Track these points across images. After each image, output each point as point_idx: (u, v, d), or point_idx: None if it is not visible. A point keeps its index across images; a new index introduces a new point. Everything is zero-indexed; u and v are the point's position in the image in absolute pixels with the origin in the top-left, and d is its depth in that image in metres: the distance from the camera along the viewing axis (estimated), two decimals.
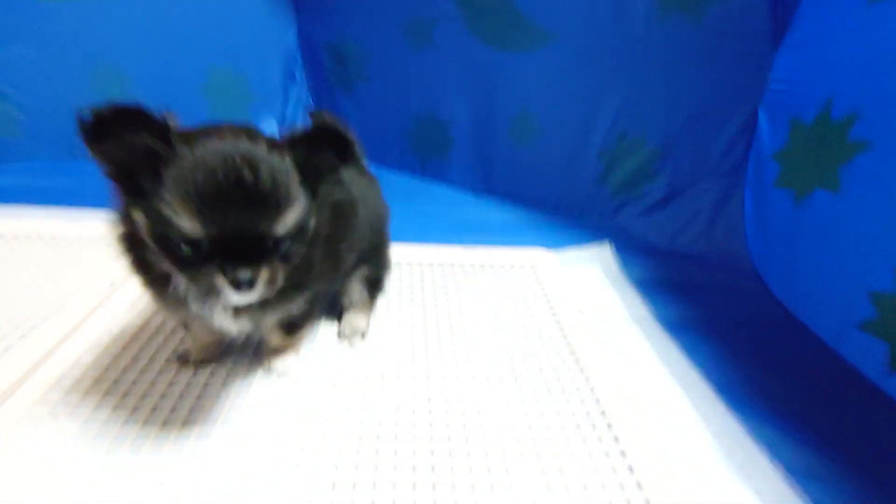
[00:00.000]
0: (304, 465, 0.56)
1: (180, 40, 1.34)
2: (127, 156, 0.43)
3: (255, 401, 0.64)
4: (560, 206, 1.33)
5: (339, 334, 0.78)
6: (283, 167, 0.46)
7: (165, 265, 0.48)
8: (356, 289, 0.78)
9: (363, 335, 0.78)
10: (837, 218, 0.84)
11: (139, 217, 0.45)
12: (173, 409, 0.62)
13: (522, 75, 1.26)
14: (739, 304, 0.97)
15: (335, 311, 0.81)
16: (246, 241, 0.44)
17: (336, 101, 1.54)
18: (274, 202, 0.44)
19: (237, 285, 0.44)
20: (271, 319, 0.59)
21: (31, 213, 1.02)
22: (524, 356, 0.79)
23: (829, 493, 0.60)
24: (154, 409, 0.61)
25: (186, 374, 0.67)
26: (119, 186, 0.46)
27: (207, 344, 0.66)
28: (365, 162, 0.83)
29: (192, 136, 0.45)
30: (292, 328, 0.66)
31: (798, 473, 0.62)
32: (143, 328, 0.74)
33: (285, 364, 0.68)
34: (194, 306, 0.52)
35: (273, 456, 0.57)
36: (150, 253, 0.48)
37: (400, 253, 1.03)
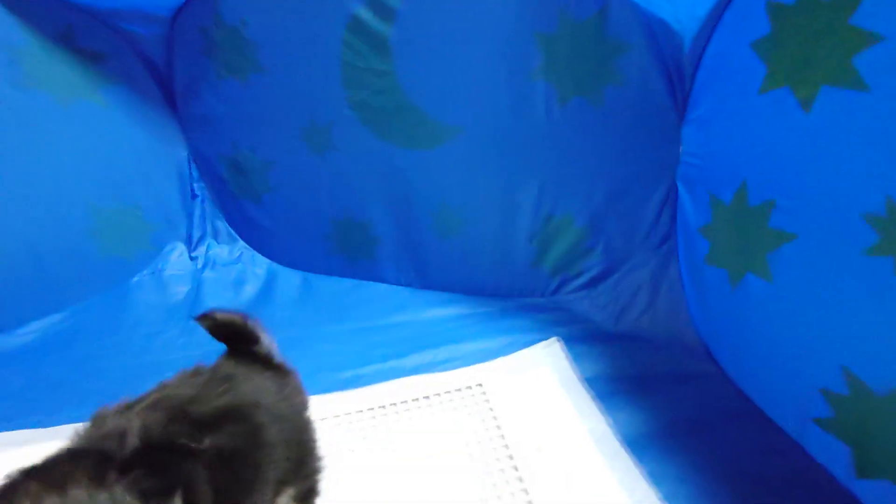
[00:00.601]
0: None
1: (55, 189, 1.20)
2: None
3: None
4: (498, 293, 1.27)
5: None
6: None
7: None
8: None
9: None
10: (776, 308, 0.81)
11: None
12: None
13: (435, 169, 1.19)
14: (699, 395, 0.93)
15: None
16: None
17: (245, 212, 1.43)
18: None
19: None
20: None
21: None
22: None
23: None
24: None
25: None
26: None
27: None
28: (276, 356, 0.74)
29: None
30: None
31: None
32: None
33: None
34: None
35: None
36: None
37: (334, 404, 0.95)
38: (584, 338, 1.10)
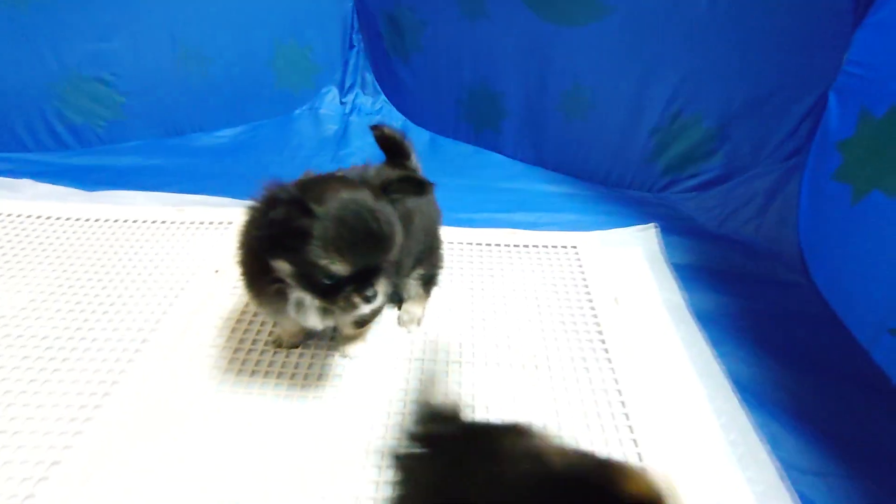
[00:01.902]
0: (371, 425, 0.73)
1: (250, 22, 1.42)
2: (282, 233, 0.59)
3: (334, 376, 0.80)
4: (608, 182, 1.34)
5: (398, 321, 0.90)
6: (389, 210, 0.62)
7: (296, 292, 0.64)
8: (413, 285, 0.89)
9: (419, 322, 0.90)
10: (890, 223, 0.82)
11: (282, 265, 0.61)
12: (275, 385, 0.78)
13: (576, 49, 1.23)
14: (779, 296, 0.99)
15: (395, 300, 0.92)
16: (371, 269, 0.60)
17: (393, 70, 1.58)
18: (389, 239, 0.61)
19: (367, 300, 0.62)
20: (349, 318, 0.72)
21: (139, 198, 1.20)
22: (558, 344, 0.88)
23: (820, 492, 0.67)
24: (262, 385, 0.78)
25: (281, 355, 0.83)
26: (267, 249, 0.62)
27: (295, 332, 0.81)
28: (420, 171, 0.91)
29: (318, 196, 0.59)
30: (362, 323, 0.78)
31: (795, 469, 0.69)
32: (243, 313, 0.90)
33: (355, 350, 0.83)
34: (293, 312, 0.67)
35: (348, 417, 0.74)
36: (265, 277, 0.64)
37: (452, 234, 1.12)
38: (681, 231, 1.16)
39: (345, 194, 0.60)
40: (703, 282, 1.03)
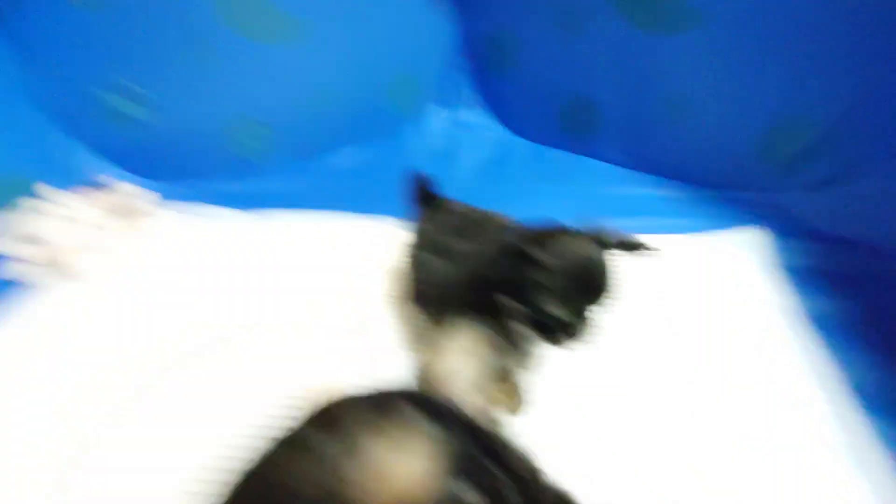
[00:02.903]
0: None
1: (366, 57, 1.60)
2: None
3: None
4: (712, 184, 1.35)
5: None
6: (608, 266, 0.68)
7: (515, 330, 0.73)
8: None
9: None
10: None
11: (508, 302, 0.70)
12: None
13: (674, 54, 1.27)
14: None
15: None
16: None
17: (494, 86, 1.69)
18: (608, 288, 0.67)
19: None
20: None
21: (288, 216, 1.41)
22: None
23: None
24: None
25: None
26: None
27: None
28: None
29: (545, 244, 0.67)
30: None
31: None
32: None
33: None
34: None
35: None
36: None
37: None
38: (793, 233, 1.16)
39: (570, 244, 0.67)
40: (821, 286, 1.03)
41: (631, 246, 0.71)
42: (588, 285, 0.66)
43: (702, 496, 0.73)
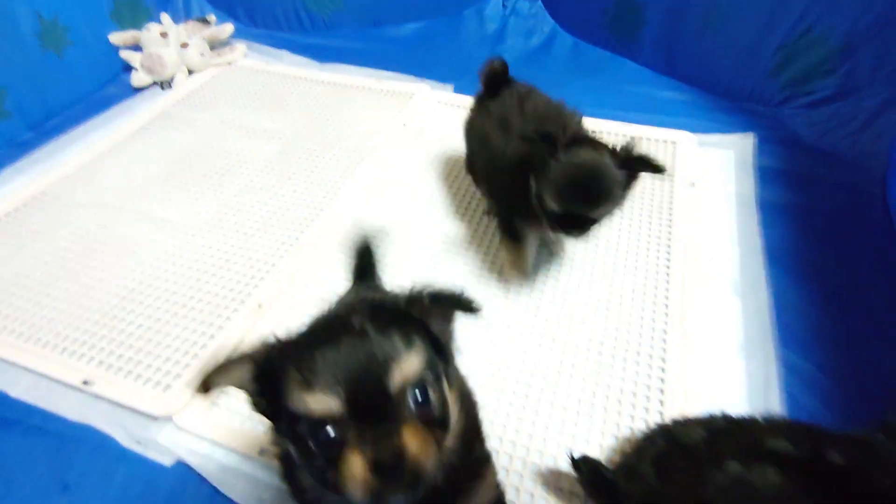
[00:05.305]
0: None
1: None
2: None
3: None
4: (728, 94, 1.48)
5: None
6: (616, 175, 0.76)
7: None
8: None
9: None
10: None
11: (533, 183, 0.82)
12: None
13: None
14: (847, 199, 1.14)
15: None
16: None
17: None
18: (601, 197, 0.77)
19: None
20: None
21: (351, 70, 1.68)
22: (631, 224, 1.16)
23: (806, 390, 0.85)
24: None
25: None
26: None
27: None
28: None
29: (569, 145, 0.76)
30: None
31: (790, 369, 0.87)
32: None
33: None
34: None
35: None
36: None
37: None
38: (779, 141, 1.31)
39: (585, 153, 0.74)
40: (781, 181, 1.21)
41: (648, 166, 0.75)
42: (580, 187, 0.73)
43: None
